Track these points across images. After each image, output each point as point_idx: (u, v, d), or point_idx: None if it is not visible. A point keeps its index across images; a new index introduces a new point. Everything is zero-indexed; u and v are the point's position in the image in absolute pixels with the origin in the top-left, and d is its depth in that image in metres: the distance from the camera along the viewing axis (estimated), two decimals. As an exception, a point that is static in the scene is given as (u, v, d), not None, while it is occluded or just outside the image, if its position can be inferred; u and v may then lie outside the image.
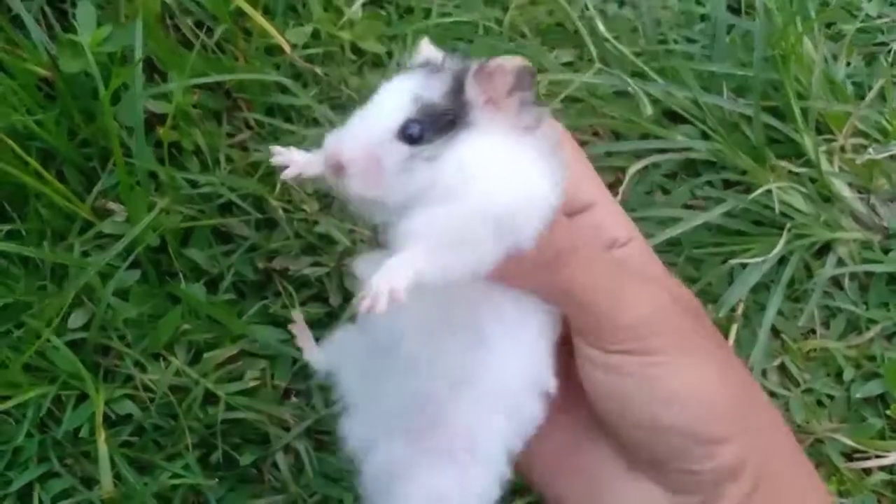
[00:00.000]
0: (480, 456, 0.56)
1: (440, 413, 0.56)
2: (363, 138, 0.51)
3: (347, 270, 0.73)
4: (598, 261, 0.57)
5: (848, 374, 0.86)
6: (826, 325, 0.89)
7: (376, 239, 0.55)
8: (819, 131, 0.93)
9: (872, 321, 0.87)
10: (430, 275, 0.49)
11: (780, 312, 0.87)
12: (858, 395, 0.84)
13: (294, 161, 0.57)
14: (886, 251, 0.89)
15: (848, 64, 0.98)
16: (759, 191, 0.87)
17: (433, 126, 0.51)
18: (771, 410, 0.62)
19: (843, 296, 0.89)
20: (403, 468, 0.57)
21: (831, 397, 0.85)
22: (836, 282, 0.90)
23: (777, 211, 0.87)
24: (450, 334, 0.55)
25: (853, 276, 0.89)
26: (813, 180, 0.90)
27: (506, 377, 0.56)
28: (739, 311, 0.87)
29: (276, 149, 0.57)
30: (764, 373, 0.86)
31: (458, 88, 0.52)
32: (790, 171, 0.90)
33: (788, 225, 0.87)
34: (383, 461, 0.59)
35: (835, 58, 0.98)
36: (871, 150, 0.87)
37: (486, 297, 0.55)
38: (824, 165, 0.89)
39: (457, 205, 0.50)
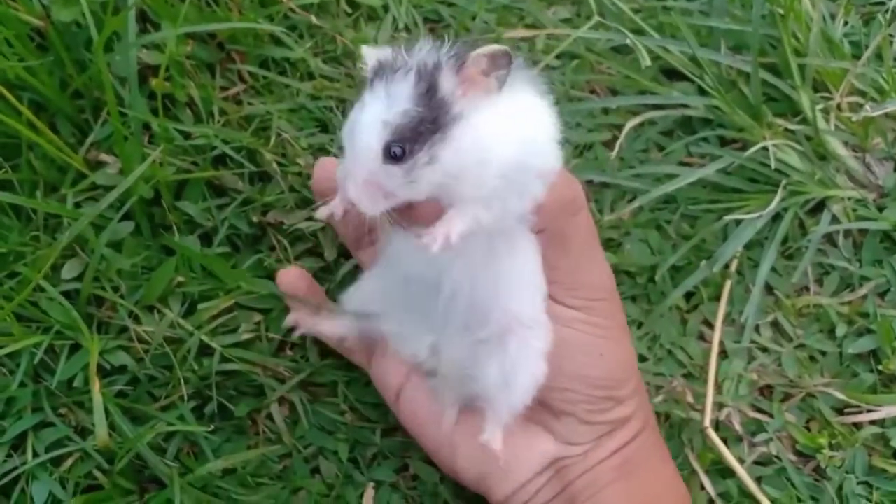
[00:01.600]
0: (528, 320, 0.65)
1: (486, 308, 0.65)
2: (359, 175, 0.57)
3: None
4: (591, 225, 0.67)
5: (840, 330, 0.86)
6: (819, 281, 0.89)
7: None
8: (815, 89, 0.93)
9: (865, 278, 0.88)
10: (473, 226, 0.58)
11: (773, 269, 0.88)
12: (851, 351, 0.85)
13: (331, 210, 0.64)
14: (881, 209, 0.89)
15: (845, 23, 0.98)
16: (755, 148, 0.87)
17: (414, 137, 0.56)
18: None
19: (836, 253, 0.89)
20: (471, 359, 0.67)
21: (824, 353, 0.86)
22: (831, 239, 0.90)
23: (773, 168, 0.87)
24: (478, 254, 0.63)
25: (847, 233, 0.89)
26: (809, 138, 0.90)
27: (525, 269, 0.65)
28: (733, 267, 0.87)
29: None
30: (757, 328, 0.87)
31: (429, 89, 0.56)
32: (786, 129, 0.90)
33: (784, 182, 0.87)
34: (451, 360, 0.69)
35: (832, 16, 0.97)
36: (867, 107, 0.86)
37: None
38: (820, 123, 0.89)
39: (477, 175, 0.57)
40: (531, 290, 0.65)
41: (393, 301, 0.71)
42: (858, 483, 0.80)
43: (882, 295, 0.88)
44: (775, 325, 0.87)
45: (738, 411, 0.83)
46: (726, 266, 0.87)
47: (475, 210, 0.58)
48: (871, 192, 0.90)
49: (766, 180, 0.89)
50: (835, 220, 0.89)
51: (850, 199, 0.89)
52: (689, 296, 0.87)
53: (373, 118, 0.56)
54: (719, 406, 0.83)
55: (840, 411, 0.83)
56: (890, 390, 0.83)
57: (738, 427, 0.82)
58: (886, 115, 0.90)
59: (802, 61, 0.90)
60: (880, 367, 0.83)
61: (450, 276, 0.65)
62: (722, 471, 0.81)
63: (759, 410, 0.84)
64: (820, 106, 0.90)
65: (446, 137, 0.56)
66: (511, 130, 0.58)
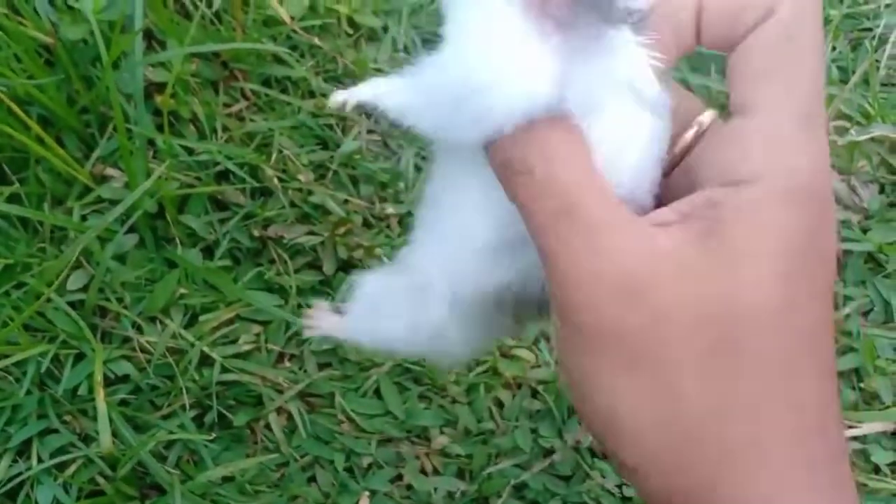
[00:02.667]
0: None
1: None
2: None
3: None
4: None
5: (825, 348, 0.88)
6: (805, 301, 0.91)
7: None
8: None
9: (849, 298, 0.90)
10: (392, 109, 0.47)
11: (762, 288, 0.90)
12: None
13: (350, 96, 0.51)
14: (865, 231, 0.92)
15: (833, 48, 1.00)
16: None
17: None
18: None
19: (822, 273, 0.91)
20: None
21: (809, 371, 0.88)
22: (816, 259, 0.92)
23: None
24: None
25: (832, 254, 0.92)
26: (796, 160, 0.92)
27: None
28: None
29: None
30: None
31: None
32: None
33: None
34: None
35: (820, 41, 1.00)
36: (852, 131, 0.89)
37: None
38: (807, 146, 0.92)
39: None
40: None
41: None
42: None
43: (865, 314, 0.90)
44: (763, 342, 0.89)
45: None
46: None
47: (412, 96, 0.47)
48: (856, 214, 0.92)
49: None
50: (820, 240, 0.91)
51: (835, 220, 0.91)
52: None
53: None
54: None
55: (824, 427, 0.86)
56: (871, 407, 0.85)
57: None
58: (872, 139, 0.93)
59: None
60: (862, 385, 0.86)
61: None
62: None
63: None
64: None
65: None
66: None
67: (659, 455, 0.40)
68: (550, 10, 0.41)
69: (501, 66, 0.42)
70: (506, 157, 0.43)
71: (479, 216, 0.49)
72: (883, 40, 1.00)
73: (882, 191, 0.94)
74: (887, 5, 1.04)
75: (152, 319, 0.81)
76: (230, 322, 0.82)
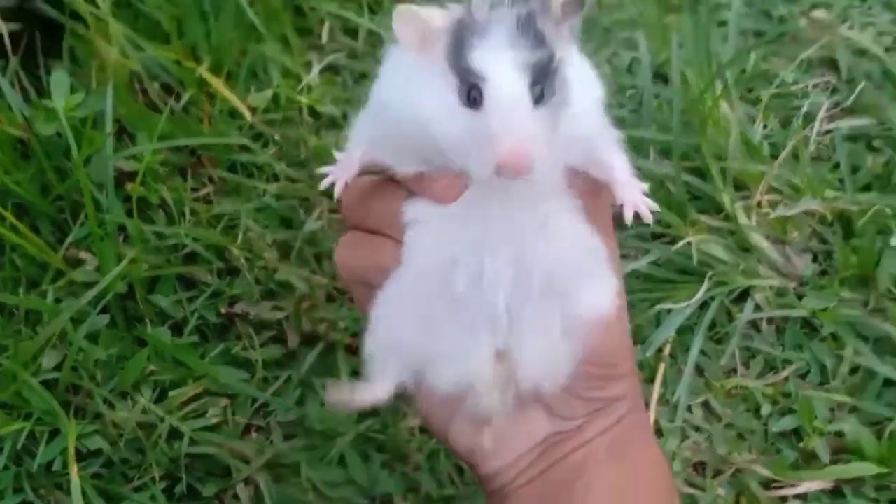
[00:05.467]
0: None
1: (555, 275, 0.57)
2: (516, 125, 0.49)
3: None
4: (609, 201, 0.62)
5: (765, 409, 0.92)
6: (746, 364, 0.95)
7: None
8: (737, 187, 1.01)
9: (788, 361, 0.95)
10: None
11: (703, 353, 0.95)
12: (775, 430, 0.91)
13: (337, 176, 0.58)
14: (800, 297, 0.97)
15: (765, 126, 1.07)
16: (681, 243, 0.95)
17: (544, 78, 0.50)
18: None
19: (760, 338, 0.96)
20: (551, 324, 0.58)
21: (752, 431, 0.92)
22: (755, 325, 0.97)
23: (697, 261, 0.95)
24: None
25: (770, 319, 0.97)
26: (732, 232, 0.98)
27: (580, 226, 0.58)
28: (666, 351, 0.94)
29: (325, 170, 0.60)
30: (689, 408, 0.93)
31: (535, 34, 0.50)
32: (710, 226, 0.98)
33: (710, 273, 0.95)
34: (533, 348, 0.58)
35: (752, 120, 1.07)
36: (780, 207, 0.95)
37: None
38: (742, 220, 0.98)
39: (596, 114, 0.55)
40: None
41: (432, 309, 0.58)
42: (784, 553, 0.86)
43: (803, 376, 0.94)
44: (706, 405, 0.93)
45: (673, 487, 0.89)
46: (660, 350, 0.94)
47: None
48: (791, 282, 0.98)
49: (695, 271, 0.96)
50: (758, 307, 0.96)
51: (771, 288, 0.97)
52: (626, 378, 0.94)
53: (504, 58, 0.49)
54: (655, 482, 0.89)
55: (767, 486, 0.90)
56: (810, 466, 0.89)
57: (672, 501, 0.88)
58: (804, 212, 0.99)
59: (724, 164, 0.99)
60: (801, 445, 0.90)
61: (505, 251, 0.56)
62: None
63: (693, 486, 0.89)
64: (741, 203, 0.99)
65: (566, 79, 0.51)
66: (586, 83, 0.54)
67: None
68: None
69: None
70: None
71: None
72: (810, 118, 1.07)
73: (815, 259, 1.00)
74: (815, 86, 1.11)
75: (123, 395, 0.85)
76: (198, 396, 0.86)
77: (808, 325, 0.97)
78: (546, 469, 0.64)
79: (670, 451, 0.90)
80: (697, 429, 0.92)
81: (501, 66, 0.49)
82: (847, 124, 1.08)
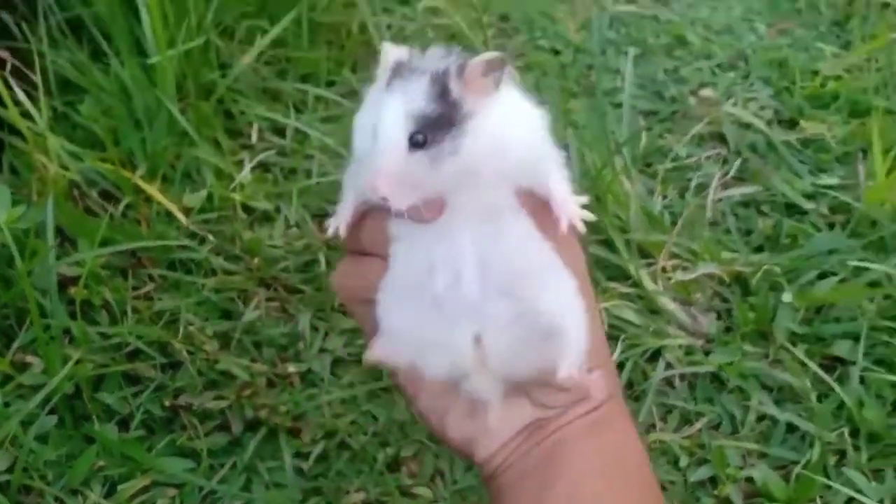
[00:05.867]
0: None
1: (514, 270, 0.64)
2: (387, 166, 0.58)
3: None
4: None
5: (683, 461, 0.98)
6: (664, 419, 1.02)
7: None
8: (643, 255, 1.10)
9: (700, 414, 1.02)
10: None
11: (623, 411, 1.02)
12: (693, 479, 0.97)
13: (338, 221, 0.66)
14: (707, 353, 1.05)
15: (664, 197, 1.16)
16: (595, 309, 1.03)
17: (435, 128, 0.58)
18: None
19: (675, 393, 1.03)
20: (517, 316, 0.64)
21: (672, 482, 0.98)
22: (669, 382, 1.04)
23: (609, 325, 1.02)
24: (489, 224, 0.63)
25: (682, 376, 1.03)
26: (640, 297, 1.07)
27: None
28: (588, 412, 1.01)
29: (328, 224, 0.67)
30: (613, 465, 0.99)
31: (443, 91, 0.59)
32: (620, 292, 1.06)
33: (622, 336, 1.03)
34: (500, 334, 0.65)
35: (651, 192, 1.16)
36: (678, 272, 1.04)
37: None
38: (649, 285, 1.06)
39: (499, 160, 0.61)
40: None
41: (419, 306, 0.66)
42: None
43: (715, 427, 1.02)
44: (628, 460, 1.00)
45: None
46: (582, 411, 1.01)
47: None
48: (698, 339, 1.06)
49: (608, 335, 1.04)
50: (669, 365, 1.04)
51: (681, 346, 1.05)
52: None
53: (395, 111, 0.58)
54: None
55: (688, 533, 0.96)
56: (726, 512, 0.96)
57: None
58: (704, 275, 1.08)
59: (627, 237, 1.07)
60: (716, 492, 0.96)
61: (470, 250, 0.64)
62: None
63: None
64: (646, 270, 1.07)
65: (464, 130, 0.59)
66: (516, 120, 0.63)
67: None
68: None
69: None
70: None
71: None
72: (704, 187, 1.16)
73: (719, 317, 1.08)
74: (707, 157, 1.21)
75: (74, 492, 0.88)
76: (147, 489, 0.90)
77: (717, 379, 1.04)
78: (531, 447, 0.70)
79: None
80: (622, 483, 0.98)
81: (391, 112, 0.58)
82: (738, 192, 1.18)
